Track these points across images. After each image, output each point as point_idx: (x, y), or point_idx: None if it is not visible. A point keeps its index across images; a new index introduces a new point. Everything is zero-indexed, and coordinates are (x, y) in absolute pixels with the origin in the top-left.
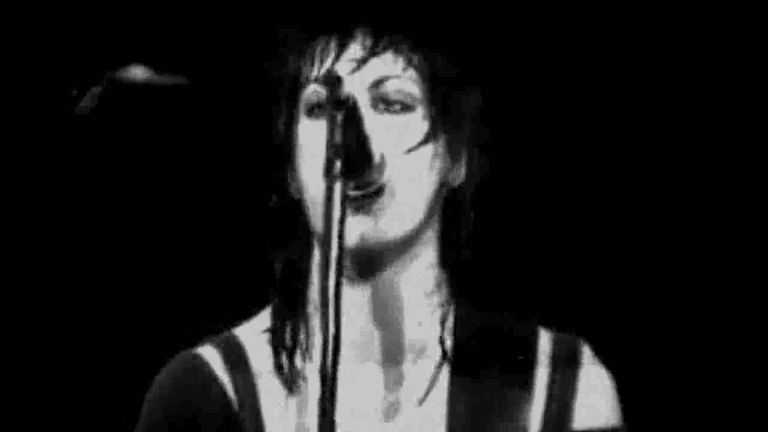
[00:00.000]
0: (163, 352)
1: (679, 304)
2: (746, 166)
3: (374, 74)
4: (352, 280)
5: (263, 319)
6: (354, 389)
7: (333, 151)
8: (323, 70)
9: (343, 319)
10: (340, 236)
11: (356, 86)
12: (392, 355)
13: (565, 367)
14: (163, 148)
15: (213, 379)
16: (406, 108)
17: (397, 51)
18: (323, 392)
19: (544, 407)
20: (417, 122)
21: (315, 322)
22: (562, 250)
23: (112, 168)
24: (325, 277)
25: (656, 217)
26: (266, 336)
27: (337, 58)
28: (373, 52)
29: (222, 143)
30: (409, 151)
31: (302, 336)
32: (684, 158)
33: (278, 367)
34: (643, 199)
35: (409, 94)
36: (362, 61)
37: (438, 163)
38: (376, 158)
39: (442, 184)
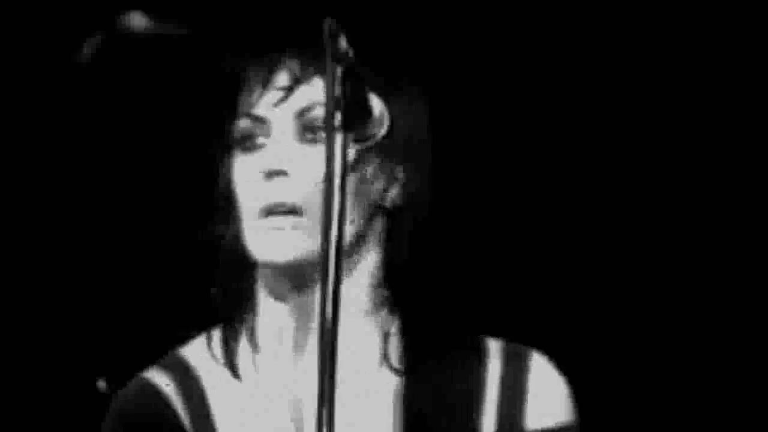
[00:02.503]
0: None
1: (632, 319)
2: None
3: (300, 102)
4: (284, 296)
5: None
6: (292, 396)
7: (333, 103)
8: (252, 102)
9: (277, 330)
10: (342, 188)
11: (283, 115)
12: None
13: (516, 370)
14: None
15: (167, 406)
16: None
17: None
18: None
19: (497, 409)
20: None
21: (262, 320)
22: (513, 265)
23: (111, 115)
24: (326, 225)
25: (598, 233)
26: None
27: (265, 88)
28: (298, 80)
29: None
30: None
31: (249, 329)
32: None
33: (228, 358)
34: (584, 216)
35: None
36: (288, 90)
37: (366, 188)
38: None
39: (377, 207)
